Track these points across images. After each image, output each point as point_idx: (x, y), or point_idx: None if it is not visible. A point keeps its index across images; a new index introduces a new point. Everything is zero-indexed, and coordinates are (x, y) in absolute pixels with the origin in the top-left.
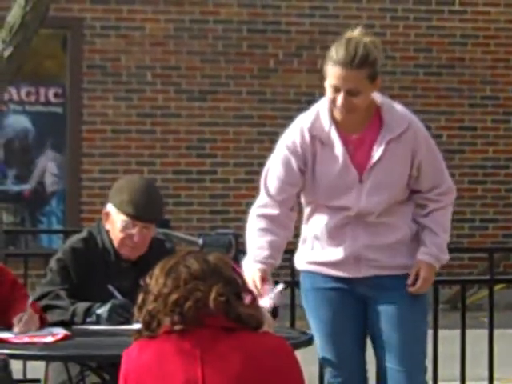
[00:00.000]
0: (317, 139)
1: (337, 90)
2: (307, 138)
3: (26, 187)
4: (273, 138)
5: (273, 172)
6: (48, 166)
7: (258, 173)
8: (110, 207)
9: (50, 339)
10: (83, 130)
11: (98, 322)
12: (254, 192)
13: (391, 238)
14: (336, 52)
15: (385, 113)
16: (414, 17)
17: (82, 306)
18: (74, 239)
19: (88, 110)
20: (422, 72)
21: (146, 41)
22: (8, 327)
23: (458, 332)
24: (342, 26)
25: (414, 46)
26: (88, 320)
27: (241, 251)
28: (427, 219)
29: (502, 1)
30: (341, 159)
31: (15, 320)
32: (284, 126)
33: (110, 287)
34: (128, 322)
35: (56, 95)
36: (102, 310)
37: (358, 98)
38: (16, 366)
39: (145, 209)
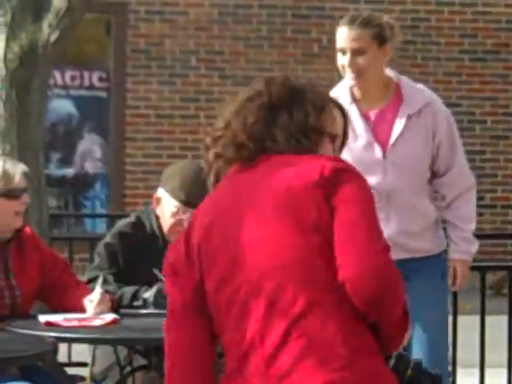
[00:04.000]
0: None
1: (344, 52)
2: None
3: (70, 171)
4: None
5: None
6: (92, 150)
7: None
8: (161, 192)
9: (98, 322)
10: (127, 114)
11: (144, 306)
12: None
13: (420, 223)
14: (343, 18)
15: (404, 89)
16: (459, 2)
17: (128, 290)
18: (122, 223)
19: (132, 95)
20: (466, 58)
21: (190, 25)
22: (58, 311)
23: (502, 318)
24: (386, 11)
25: (459, 31)
26: (135, 304)
27: None
28: (449, 213)
29: None
30: (363, 135)
31: (86, 301)
32: None
33: (156, 271)
34: None
35: (100, 79)
36: (149, 294)
37: (364, 58)
38: (61, 349)
39: (196, 195)
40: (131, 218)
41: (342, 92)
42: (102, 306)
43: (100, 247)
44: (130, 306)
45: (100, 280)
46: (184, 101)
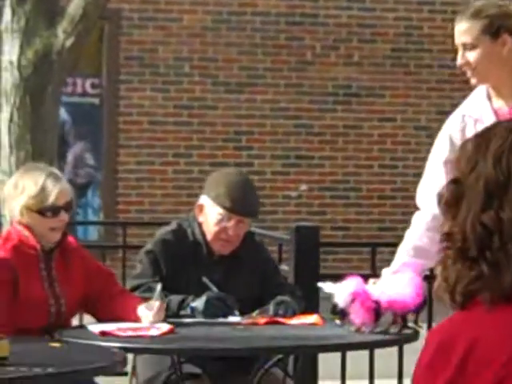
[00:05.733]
0: (468, 118)
1: (458, 48)
2: (459, 119)
3: None
4: (309, 131)
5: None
6: (84, 157)
7: (295, 165)
8: (204, 199)
9: (155, 332)
10: (120, 121)
11: (192, 315)
12: (290, 184)
13: None
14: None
15: None
16: (451, 10)
17: (175, 298)
18: (164, 231)
19: (125, 102)
20: None
21: (184, 32)
22: (104, 321)
23: None
24: (378, 19)
25: (452, 38)
26: (182, 313)
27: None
28: None
29: None
30: None
31: (142, 310)
32: (320, 119)
33: (205, 279)
34: (224, 314)
35: (93, 86)
36: (198, 303)
37: (473, 53)
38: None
39: (241, 202)
40: (172, 226)
41: (478, 92)
42: (160, 315)
43: (141, 255)
44: (176, 315)
45: (159, 288)
46: (177, 108)
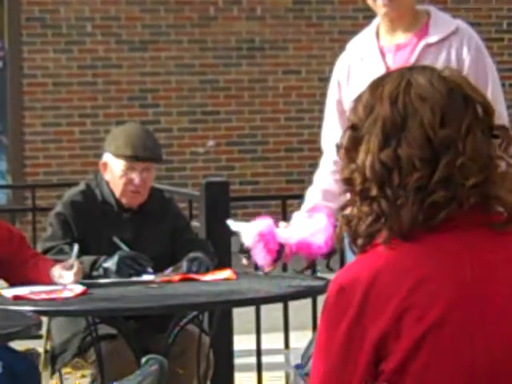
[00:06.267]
0: (354, 57)
1: None
2: (344, 59)
3: None
4: (215, 86)
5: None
6: None
7: (201, 121)
8: (106, 156)
9: (68, 294)
10: (24, 83)
11: (105, 275)
12: (197, 140)
13: None
14: None
15: (431, 19)
16: None
17: (87, 259)
18: (72, 192)
19: (28, 64)
20: (361, 16)
21: None
22: (18, 285)
23: None
24: None
25: None
26: (94, 274)
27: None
28: None
29: None
30: (378, 70)
31: (59, 270)
32: (225, 74)
33: (115, 239)
34: (137, 273)
35: None
36: (110, 263)
37: None
38: None
39: (142, 149)
40: (80, 187)
41: (366, 30)
42: (79, 274)
43: (51, 218)
44: (89, 276)
45: (76, 248)
46: (81, 68)
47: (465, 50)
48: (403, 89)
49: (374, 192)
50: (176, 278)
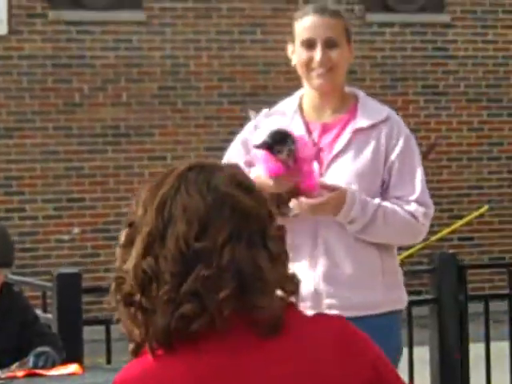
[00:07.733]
0: (268, 120)
1: (311, 44)
2: (251, 124)
3: None
4: (80, 173)
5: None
6: None
7: (67, 208)
8: None
9: None
10: None
11: None
12: (62, 228)
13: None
14: (304, 9)
15: (359, 103)
16: (217, 46)
17: None
18: None
19: None
20: (226, 101)
21: None
22: None
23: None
24: (145, 58)
25: (218, 75)
26: None
27: None
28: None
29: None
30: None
31: None
32: (90, 161)
33: None
34: None
35: None
36: None
37: (336, 52)
38: None
39: None
40: None
41: (289, 102)
42: None
43: None
44: None
45: None
46: None
47: (394, 140)
48: (172, 196)
49: (137, 298)
50: (20, 373)
